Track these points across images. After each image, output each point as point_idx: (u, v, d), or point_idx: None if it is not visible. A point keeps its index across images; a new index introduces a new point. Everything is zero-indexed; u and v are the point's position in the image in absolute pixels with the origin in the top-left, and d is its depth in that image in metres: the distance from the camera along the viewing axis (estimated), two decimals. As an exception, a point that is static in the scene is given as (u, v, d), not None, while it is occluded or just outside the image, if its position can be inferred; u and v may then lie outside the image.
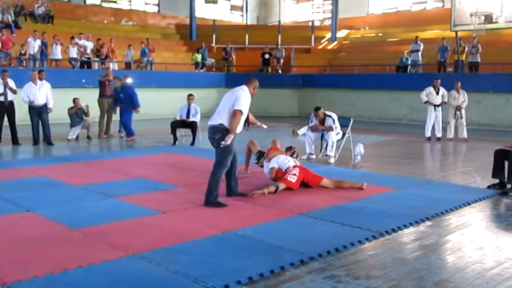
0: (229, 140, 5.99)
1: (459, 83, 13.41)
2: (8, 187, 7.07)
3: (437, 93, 13.54)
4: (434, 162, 10.65)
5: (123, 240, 4.78)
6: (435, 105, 13.58)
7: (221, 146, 6.05)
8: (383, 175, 8.49)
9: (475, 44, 18.14)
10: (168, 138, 12.46)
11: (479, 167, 9.46)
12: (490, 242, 5.00)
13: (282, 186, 6.90)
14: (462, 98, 13.32)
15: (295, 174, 7.05)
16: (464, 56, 18.75)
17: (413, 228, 5.42)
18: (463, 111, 13.31)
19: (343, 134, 10.13)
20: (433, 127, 13.56)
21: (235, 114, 6.01)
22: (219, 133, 6.11)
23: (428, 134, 13.62)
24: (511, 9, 16.25)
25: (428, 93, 13.64)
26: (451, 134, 13.48)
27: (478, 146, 12.51)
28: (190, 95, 12.39)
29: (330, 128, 9.76)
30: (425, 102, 13.75)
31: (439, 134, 13.59)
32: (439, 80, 13.66)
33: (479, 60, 18.21)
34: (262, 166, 7.73)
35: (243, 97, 6.09)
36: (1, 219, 5.48)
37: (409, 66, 20.53)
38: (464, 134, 13.35)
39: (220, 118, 6.13)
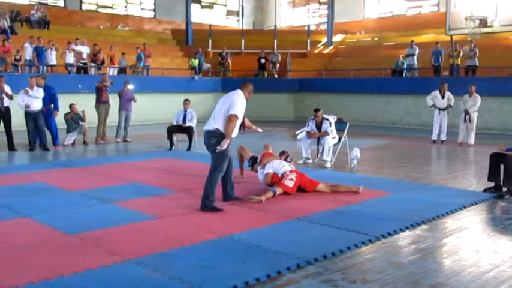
0: (225, 145, 6.00)
1: (473, 87, 13.27)
2: (4, 193, 7.05)
3: (443, 97, 13.56)
4: (430, 165, 10.68)
5: (120, 245, 4.77)
6: (440, 109, 13.62)
7: (217, 150, 6.05)
8: (379, 179, 8.51)
9: (472, 48, 18.21)
10: (164, 143, 12.45)
11: (475, 171, 9.51)
12: (486, 245, 5.01)
13: (279, 191, 6.90)
14: (472, 102, 13.18)
15: (292, 179, 7.05)
16: (459, 59, 18.82)
17: (410, 231, 5.43)
18: (473, 115, 13.16)
19: (340, 138, 10.16)
20: (439, 130, 13.69)
21: (230, 118, 6.02)
22: (214, 138, 6.11)
23: (434, 137, 13.77)
24: (505, 13, 16.32)
25: (434, 97, 13.68)
26: (461, 138, 13.37)
27: (474, 150, 12.56)
28: (186, 100, 12.39)
29: (326, 134, 9.79)
30: (431, 106, 13.78)
31: (443, 137, 13.66)
32: (446, 85, 13.64)
33: (477, 63, 18.27)
34: (256, 171, 7.73)
35: (238, 101, 6.10)
36: (-3, 225, 5.47)
37: (405, 70, 20.60)
38: (471, 140, 13.26)
39: (216, 123, 6.14)
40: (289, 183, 7.00)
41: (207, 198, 6.14)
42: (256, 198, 6.59)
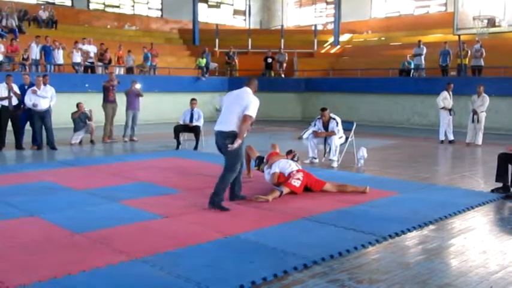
0: (236, 144, 6.02)
1: (482, 87, 13.21)
2: (12, 192, 7.08)
3: (451, 97, 13.61)
4: (437, 166, 10.64)
5: (126, 245, 4.78)
6: (450, 110, 13.61)
7: (228, 149, 6.07)
8: (386, 179, 8.48)
9: (478, 48, 18.14)
10: (171, 142, 12.47)
11: (483, 171, 9.47)
12: (493, 245, 4.99)
13: (285, 190, 6.90)
14: (480, 102, 13.12)
15: (299, 179, 7.04)
16: (467, 59, 18.74)
17: (417, 232, 5.41)
18: (481, 116, 13.11)
19: (346, 138, 10.13)
20: (446, 130, 13.71)
21: (246, 119, 6.05)
22: (229, 139, 6.12)
23: (442, 137, 13.76)
24: (513, 13, 16.26)
25: (444, 98, 13.67)
26: (469, 139, 13.33)
27: (481, 150, 12.50)
28: (193, 99, 12.40)
29: (333, 133, 9.77)
30: (442, 107, 13.73)
31: (452, 137, 13.65)
32: (452, 84, 13.67)
33: (482, 63, 18.20)
34: (263, 171, 7.73)
35: (254, 102, 6.14)
36: (5, 224, 5.50)
37: (412, 70, 20.53)
38: (478, 140, 13.19)
39: (231, 124, 6.14)
40: (296, 183, 6.99)
41: (216, 195, 6.16)
42: (263, 197, 6.59)
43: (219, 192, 6.16)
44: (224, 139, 6.18)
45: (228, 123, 6.16)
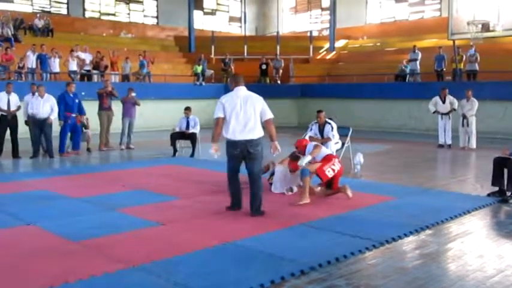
0: (279, 146, 6.29)
1: (470, 91, 13.36)
2: (9, 200, 7.07)
3: (444, 102, 13.66)
4: (433, 170, 10.66)
5: (124, 252, 4.78)
6: (442, 114, 13.67)
7: (276, 153, 6.31)
8: (383, 184, 8.50)
9: (473, 53, 18.22)
10: (167, 149, 12.46)
11: (479, 175, 9.48)
12: (490, 250, 5.00)
13: (312, 169, 6.92)
14: (469, 106, 13.24)
15: (333, 170, 7.09)
16: (462, 64, 18.82)
17: (414, 236, 5.42)
18: (471, 120, 13.21)
19: (343, 144, 10.13)
20: (444, 135, 13.75)
21: (271, 123, 6.29)
22: (260, 145, 6.24)
23: (441, 141, 13.86)
24: (508, 17, 16.33)
25: (435, 103, 13.80)
26: (462, 143, 13.43)
27: (477, 154, 12.52)
28: (186, 108, 12.31)
29: (328, 139, 9.74)
30: (434, 112, 13.87)
31: (449, 142, 13.72)
32: (446, 90, 13.76)
33: (477, 68, 18.27)
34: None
35: (264, 102, 6.37)
36: (2, 233, 5.49)
37: (408, 75, 20.59)
38: (472, 144, 13.28)
39: (259, 131, 6.23)
40: (329, 173, 7.02)
41: (261, 203, 6.28)
42: (303, 202, 6.58)
43: (260, 198, 6.27)
44: (256, 146, 6.21)
45: (254, 130, 6.18)
